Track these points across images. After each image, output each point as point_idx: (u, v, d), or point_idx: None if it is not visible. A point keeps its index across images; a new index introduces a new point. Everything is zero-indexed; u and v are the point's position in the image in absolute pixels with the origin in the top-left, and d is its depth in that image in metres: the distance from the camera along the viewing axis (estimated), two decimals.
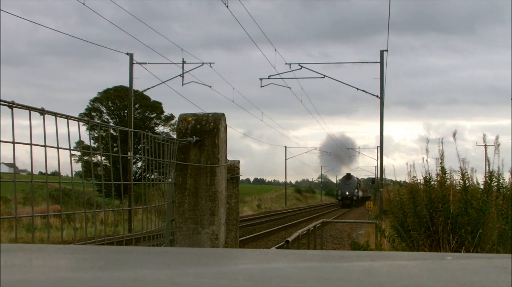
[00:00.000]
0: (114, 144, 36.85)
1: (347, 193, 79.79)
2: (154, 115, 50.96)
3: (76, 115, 2.47)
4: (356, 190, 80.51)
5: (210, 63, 27.15)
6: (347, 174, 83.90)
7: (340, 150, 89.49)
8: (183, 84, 27.13)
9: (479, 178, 7.53)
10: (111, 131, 5.93)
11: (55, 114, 2.28)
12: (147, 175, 3.75)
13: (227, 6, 21.05)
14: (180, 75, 26.82)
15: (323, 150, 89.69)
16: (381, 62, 25.02)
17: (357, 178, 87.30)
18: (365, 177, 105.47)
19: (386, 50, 25.22)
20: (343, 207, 75.15)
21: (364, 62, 29.38)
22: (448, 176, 7.40)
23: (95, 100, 49.00)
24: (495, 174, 7.45)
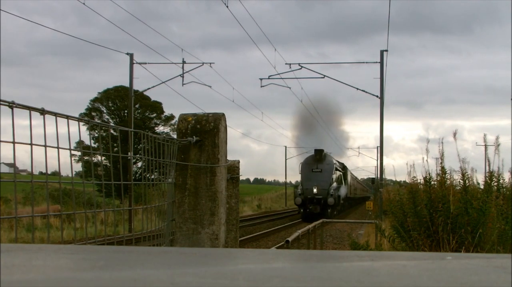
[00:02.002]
0: (114, 144, 36.87)
1: (314, 190, 38.22)
2: (154, 115, 51.04)
3: (76, 115, 2.47)
4: (335, 185, 40.08)
5: (210, 63, 27.19)
6: (316, 151, 41.28)
7: (308, 113, 47.98)
8: (183, 84, 27.17)
9: (479, 178, 7.55)
10: (111, 131, 5.93)
11: (55, 114, 2.28)
12: (147, 175, 3.75)
13: (227, 6, 21.04)
14: (180, 75, 26.85)
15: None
16: (381, 62, 25.05)
17: (338, 162, 45.25)
18: (365, 177, 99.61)
19: (386, 50, 25.25)
20: (305, 221, 33.65)
21: (364, 62, 29.44)
22: (448, 176, 7.41)
23: (95, 100, 49.08)
24: (495, 174, 7.46)
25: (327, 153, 42.45)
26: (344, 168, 46.75)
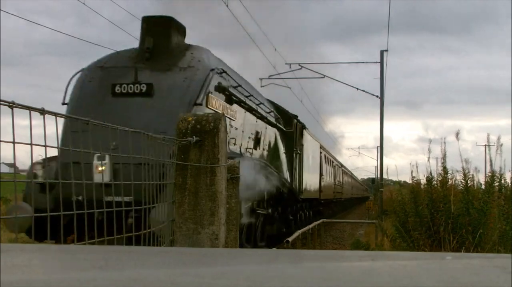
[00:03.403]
0: None
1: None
2: None
3: None
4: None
5: None
6: (145, 21, 8.20)
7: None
8: None
9: (480, 179, 7.55)
10: None
11: (55, 114, 2.28)
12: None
13: (227, 5, 20.96)
14: None
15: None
16: (381, 62, 25.01)
17: (271, 104, 13.73)
18: (365, 177, 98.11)
19: (386, 50, 25.18)
20: None
21: (364, 62, 29.39)
22: (450, 176, 7.42)
23: None
24: (497, 174, 7.45)
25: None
26: (298, 128, 15.77)
